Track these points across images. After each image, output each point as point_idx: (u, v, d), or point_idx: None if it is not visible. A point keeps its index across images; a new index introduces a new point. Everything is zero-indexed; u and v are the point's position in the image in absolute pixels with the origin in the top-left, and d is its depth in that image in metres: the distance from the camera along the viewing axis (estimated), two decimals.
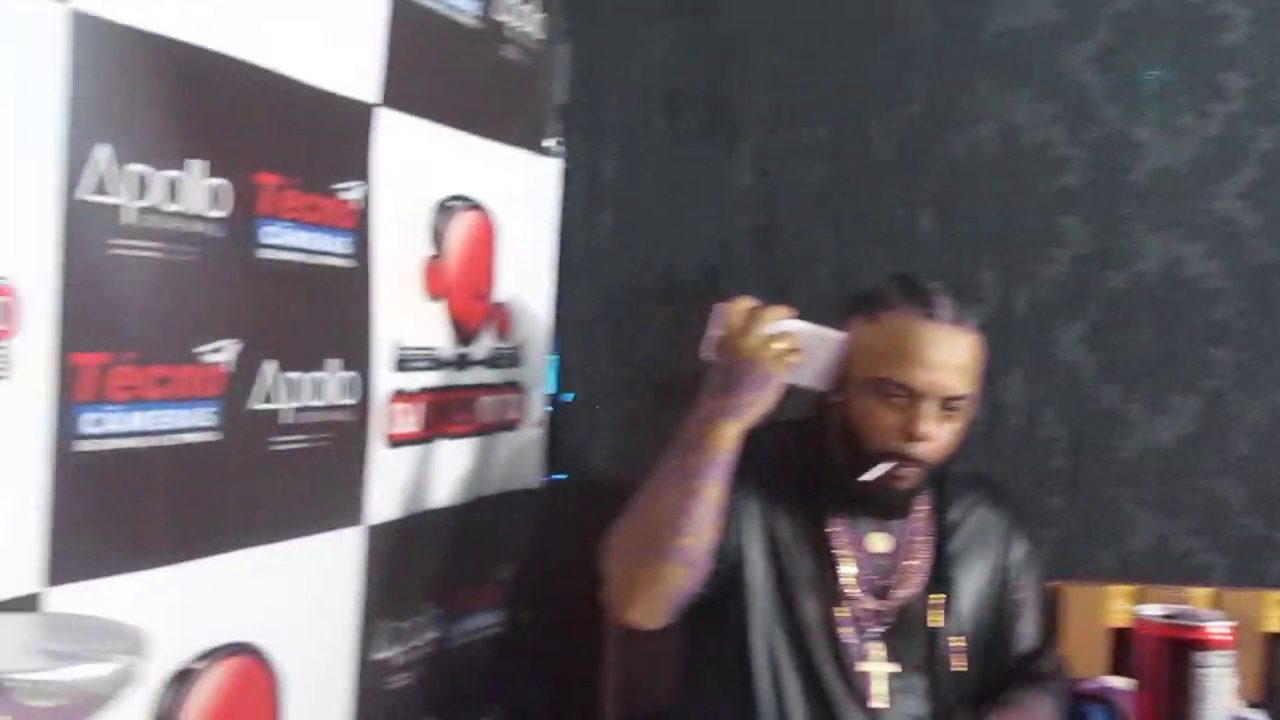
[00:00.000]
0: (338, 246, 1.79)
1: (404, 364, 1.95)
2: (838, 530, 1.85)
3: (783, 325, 1.73)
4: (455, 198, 2.07)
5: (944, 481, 1.90)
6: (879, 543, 1.87)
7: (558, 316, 2.42)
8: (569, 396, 2.47)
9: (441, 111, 2.00)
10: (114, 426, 1.41)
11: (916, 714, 1.83)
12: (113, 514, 1.42)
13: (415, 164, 1.95)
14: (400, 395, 1.94)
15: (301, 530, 1.74)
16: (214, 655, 1.59)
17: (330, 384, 1.78)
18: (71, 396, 1.36)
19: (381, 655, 1.94)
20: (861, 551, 1.85)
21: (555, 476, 2.44)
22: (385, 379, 1.90)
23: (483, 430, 2.19)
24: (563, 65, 2.39)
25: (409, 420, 1.97)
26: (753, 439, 1.75)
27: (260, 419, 1.64)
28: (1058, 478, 2.38)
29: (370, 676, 1.91)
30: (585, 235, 2.47)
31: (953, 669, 1.84)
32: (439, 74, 2.01)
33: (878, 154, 2.42)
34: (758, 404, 1.72)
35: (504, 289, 2.22)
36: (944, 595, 1.86)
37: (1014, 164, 2.39)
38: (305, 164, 1.72)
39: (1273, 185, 2.34)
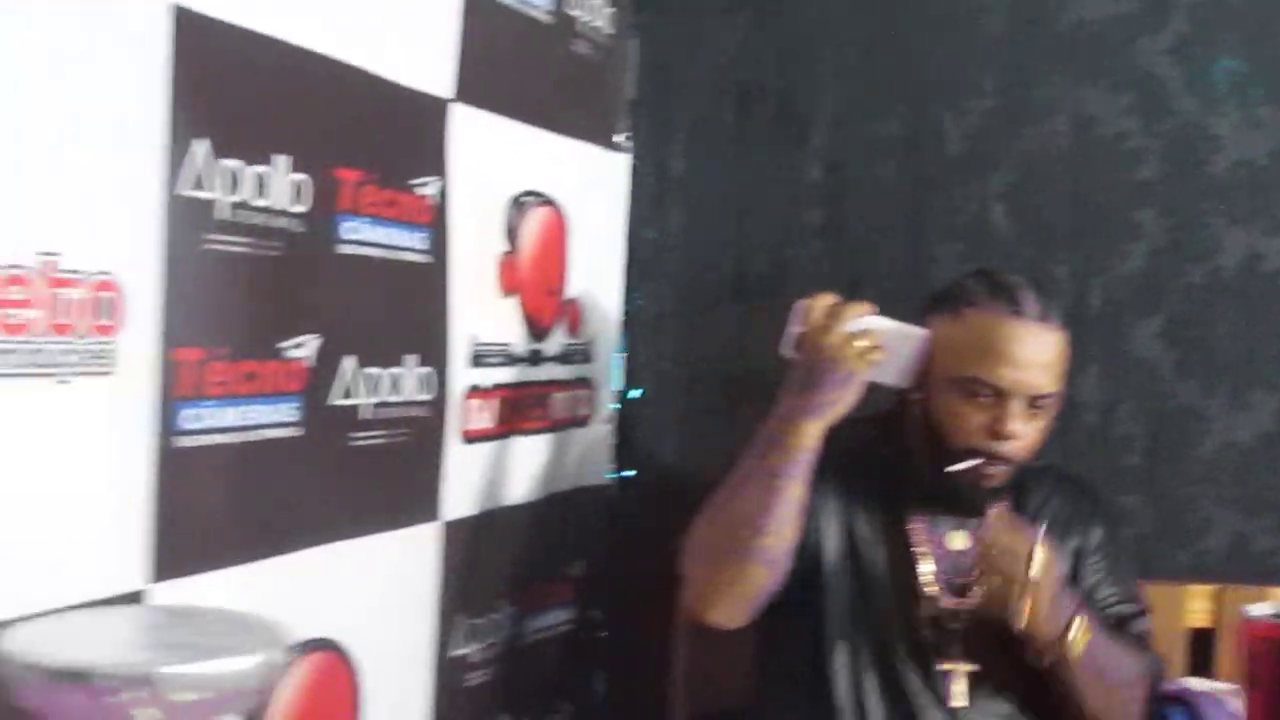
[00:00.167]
0: (415, 242, 1.79)
1: (479, 360, 1.95)
2: (917, 528, 1.84)
3: (864, 322, 1.71)
4: (528, 193, 2.07)
5: (1021, 476, 1.87)
6: (958, 540, 1.84)
7: (625, 312, 2.41)
8: (637, 393, 2.46)
9: (514, 106, 2.00)
10: (210, 422, 1.42)
11: (997, 712, 1.80)
12: (208, 510, 1.43)
13: (489, 159, 1.95)
14: (475, 391, 1.94)
15: (380, 526, 1.74)
16: (298, 651, 1.58)
17: (408, 380, 1.78)
18: (173, 392, 1.37)
19: (459, 652, 1.94)
20: (941, 549, 1.83)
21: (623, 473, 2.42)
22: (461, 375, 1.90)
23: (555, 426, 2.18)
24: (632, 60, 2.38)
25: (484, 416, 1.97)
26: (832, 436, 1.73)
27: (340, 415, 1.65)
28: (1133, 475, 2.34)
29: (449, 673, 1.91)
30: (653, 231, 2.46)
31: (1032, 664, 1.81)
32: (511, 69, 2.00)
33: (949, 148, 2.39)
34: (839, 402, 1.71)
35: (575, 285, 2.21)
36: None
37: (1088, 157, 2.35)
38: (383, 159, 1.72)
39: None
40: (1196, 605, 2.25)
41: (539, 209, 2.10)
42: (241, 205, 1.45)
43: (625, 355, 2.43)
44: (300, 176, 1.55)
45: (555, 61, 2.14)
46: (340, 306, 1.64)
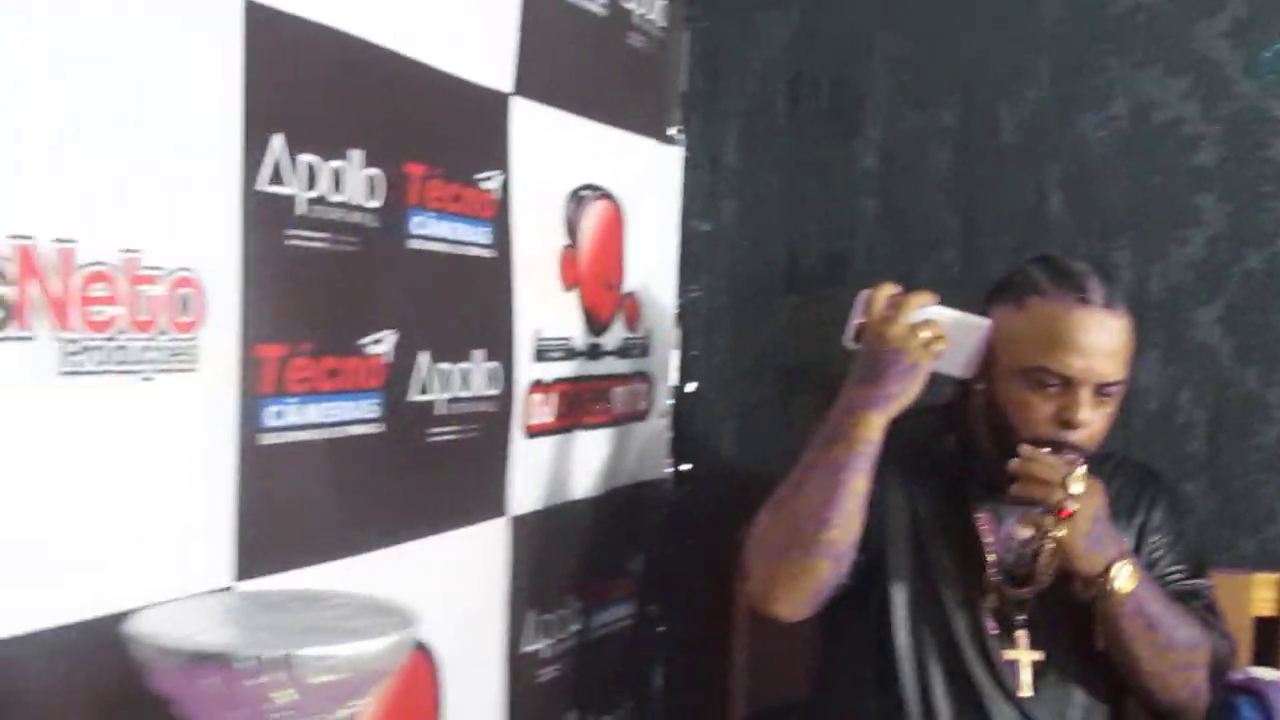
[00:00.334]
0: (479, 236, 1.78)
1: (541, 354, 1.95)
2: (982, 518, 1.82)
3: (927, 312, 1.70)
4: (586, 186, 2.07)
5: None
6: (1022, 531, 1.83)
7: (680, 306, 2.41)
8: (692, 386, 2.45)
9: (571, 100, 2.00)
10: (292, 419, 1.41)
11: (1064, 701, 1.79)
12: (292, 508, 1.43)
13: (548, 153, 1.95)
14: (538, 385, 1.94)
15: (454, 523, 1.74)
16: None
17: (476, 375, 1.78)
18: (255, 389, 1.36)
19: (531, 648, 1.94)
20: (1005, 540, 1.82)
21: (680, 467, 2.42)
22: (526, 369, 1.90)
23: (615, 421, 2.18)
24: (685, 52, 2.37)
25: (545, 411, 1.97)
26: (895, 426, 1.72)
27: (418, 411, 1.64)
28: (1195, 462, 2.32)
29: (521, 670, 1.92)
30: (707, 224, 2.45)
31: (1098, 650, 1.80)
32: (568, 62, 2.00)
33: (1004, 137, 2.37)
34: (904, 393, 1.69)
35: (631, 279, 2.21)
36: None
37: (1145, 143, 2.33)
38: (448, 154, 1.71)
39: None
40: (1262, 594, 2.23)
41: (597, 202, 2.10)
42: (319, 200, 1.45)
43: (680, 349, 2.42)
44: (374, 171, 1.55)
45: (611, 55, 2.13)
46: (413, 302, 1.64)
